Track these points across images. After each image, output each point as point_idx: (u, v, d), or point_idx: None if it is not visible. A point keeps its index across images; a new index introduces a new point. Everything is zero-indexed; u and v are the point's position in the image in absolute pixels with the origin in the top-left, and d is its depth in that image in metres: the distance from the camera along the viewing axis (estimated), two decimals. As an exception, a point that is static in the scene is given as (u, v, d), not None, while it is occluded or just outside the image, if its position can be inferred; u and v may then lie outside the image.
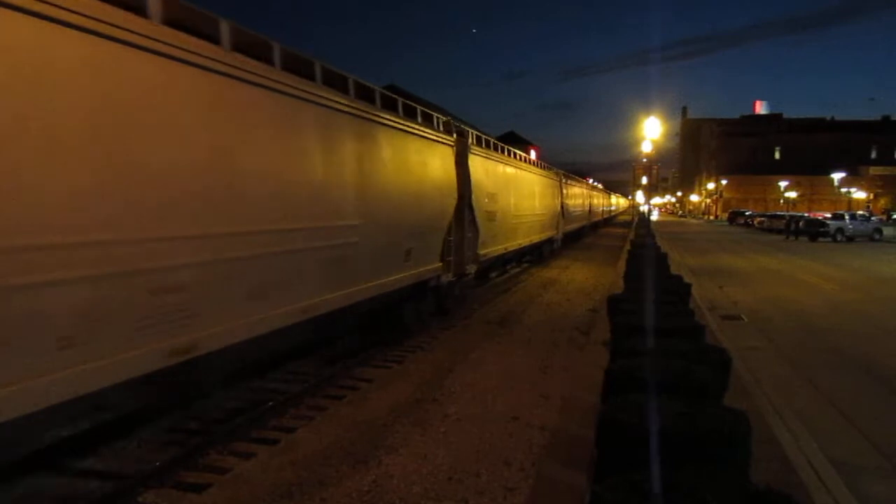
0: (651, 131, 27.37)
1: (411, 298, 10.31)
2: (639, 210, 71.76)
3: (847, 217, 42.31)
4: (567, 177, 30.80)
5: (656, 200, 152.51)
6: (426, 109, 10.79)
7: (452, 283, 12.04)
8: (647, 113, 28.59)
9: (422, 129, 10.13)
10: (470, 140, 12.86)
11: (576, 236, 35.06)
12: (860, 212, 50.57)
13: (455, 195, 11.68)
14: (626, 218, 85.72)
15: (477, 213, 12.92)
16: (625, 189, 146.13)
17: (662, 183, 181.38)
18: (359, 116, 7.85)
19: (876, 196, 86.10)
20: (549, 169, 25.16)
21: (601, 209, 56.91)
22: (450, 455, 5.76)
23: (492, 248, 14.44)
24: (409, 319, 10.54)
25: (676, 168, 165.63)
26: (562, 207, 26.75)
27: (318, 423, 6.69)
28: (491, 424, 6.54)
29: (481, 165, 13.64)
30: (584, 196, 38.79)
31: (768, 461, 5.22)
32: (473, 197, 12.65)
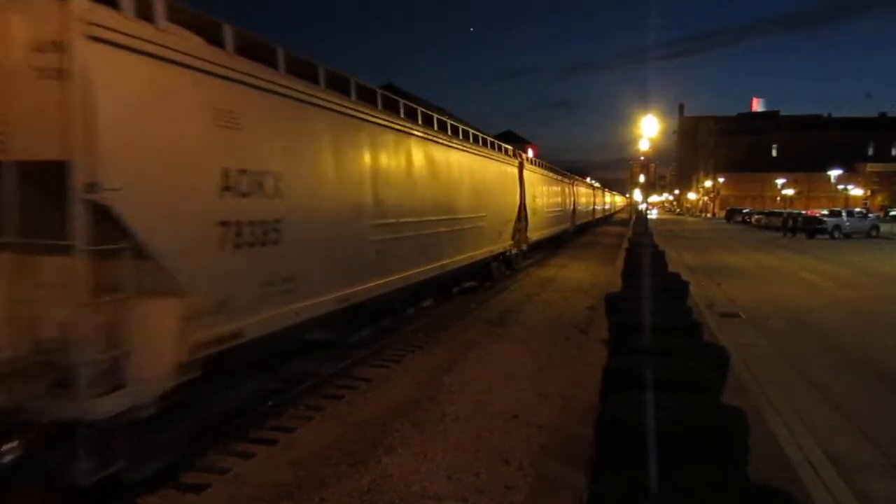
0: (648, 129, 27.39)
1: None
2: (637, 208, 70.97)
3: (844, 214, 42.40)
4: (535, 163, 22.59)
5: (654, 199, 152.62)
6: None
7: None
8: (645, 111, 28.53)
9: None
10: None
11: (553, 244, 27.13)
12: (857, 209, 50.65)
13: None
14: (624, 216, 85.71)
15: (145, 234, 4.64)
16: (623, 187, 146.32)
17: (660, 181, 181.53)
18: None
19: (873, 193, 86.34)
20: (495, 149, 16.24)
21: (591, 208, 46.46)
22: (449, 454, 5.77)
23: (279, 309, 6.21)
24: None
25: (674, 166, 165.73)
26: (522, 207, 18.58)
27: (317, 422, 6.69)
28: (490, 423, 6.54)
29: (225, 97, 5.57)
30: (563, 193, 29.68)
31: (766, 458, 5.23)
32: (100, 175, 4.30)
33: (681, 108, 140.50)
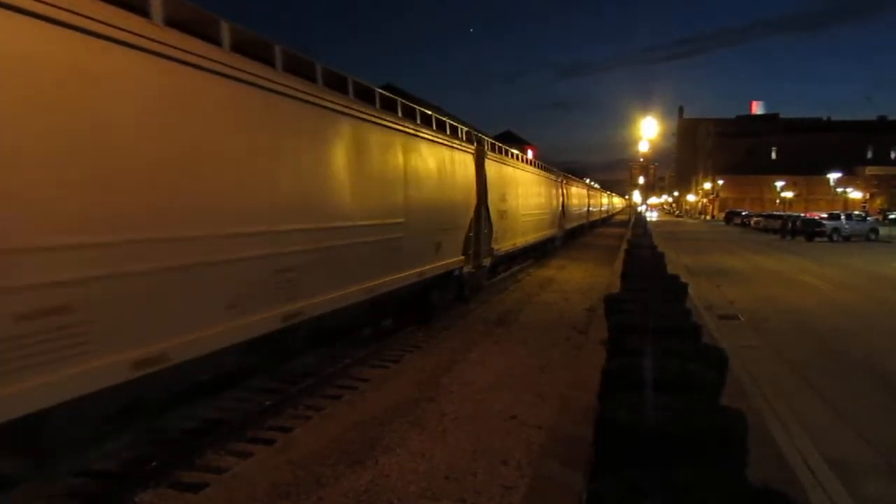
0: (648, 131, 27.43)
1: None
2: (636, 210, 70.55)
3: (843, 217, 42.43)
4: (506, 154, 17.56)
5: (653, 200, 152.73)
6: None
7: None
8: (644, 113, 28.54)
9: None
10: None
11: (536, 253, 23.74)
12: (856, 212, 50.68)
13: None
14: (623, 218, 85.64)
15: None
16: (622, 188, 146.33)
17: (659, 182, 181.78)
18: None
19: (872, 196, 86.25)
20: (432, 126, 11.14)
21: (584, 211, 42.01)
22: (447, 454, 5.76)
23: None
24: None
25: (673, 168, 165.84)
26: (482, 208, 14.11)
27: (315, 422, 6.68)
28: (488, 423, 6.53)
29: None
30: (548, 194, 25.24)
31: (765, 460, 5.23)
32: None
33: (680, 109, 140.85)
